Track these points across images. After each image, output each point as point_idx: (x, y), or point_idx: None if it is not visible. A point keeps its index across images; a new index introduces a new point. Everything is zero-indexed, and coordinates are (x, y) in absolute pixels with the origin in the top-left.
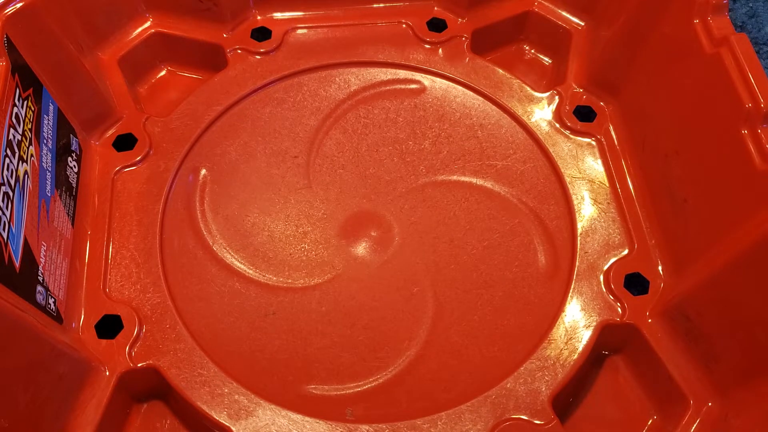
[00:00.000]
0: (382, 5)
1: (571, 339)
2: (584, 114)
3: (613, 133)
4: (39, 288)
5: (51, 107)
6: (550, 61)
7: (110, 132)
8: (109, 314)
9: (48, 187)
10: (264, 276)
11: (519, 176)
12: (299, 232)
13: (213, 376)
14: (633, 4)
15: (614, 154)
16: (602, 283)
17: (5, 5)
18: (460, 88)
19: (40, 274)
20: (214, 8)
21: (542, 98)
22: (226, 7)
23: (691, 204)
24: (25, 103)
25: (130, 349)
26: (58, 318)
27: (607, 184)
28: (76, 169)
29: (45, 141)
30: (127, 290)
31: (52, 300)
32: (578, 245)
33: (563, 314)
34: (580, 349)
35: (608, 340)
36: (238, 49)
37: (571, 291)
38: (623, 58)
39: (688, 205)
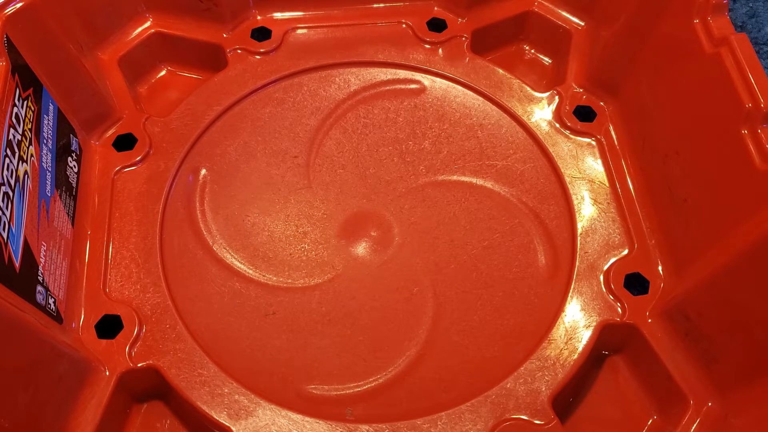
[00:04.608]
0: (382, 5)
1: (571, 339)
2: (584, 114)
3: (613, 133)
4: (39, 288)
5: (51, 107)
6: (550, 61)
7: (110, 132)
8: (109, 314)
9: (48, 187)
10: (264, 276)
11: (519, 176)
12: (299, 232)
13: (213, 376)
14: (633, 4)
15: (614, 154)
16: (602, 283)
17: (5, 5)
18: (460, 88)
19: (40, 274)
20: (214, 8)
21: (542, 98)
22: (226, 7)
23: (691, 204)
24: (25, 103)
25: (130, 349)
26: (58, 318)
27: (607, 184)
28: (76, 169)
29: (45, 141)
30: (127, 290)
31: (52, 300)
32: (578, 245)
33: (563, 314)
34: (580, 349)
35: (608, 340)
36: (238, 49)
37: (571, 291)
38: (623, 58)
39: (688, 205)
